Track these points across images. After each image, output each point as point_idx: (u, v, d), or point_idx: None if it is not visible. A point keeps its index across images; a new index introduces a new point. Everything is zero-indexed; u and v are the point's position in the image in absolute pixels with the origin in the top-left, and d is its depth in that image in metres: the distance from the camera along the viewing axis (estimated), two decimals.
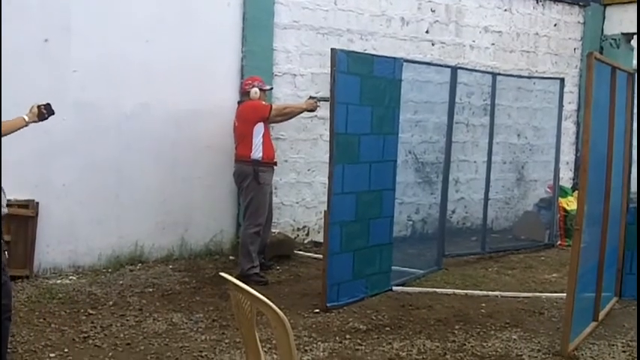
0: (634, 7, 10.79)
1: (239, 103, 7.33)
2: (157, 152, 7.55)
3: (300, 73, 8.49)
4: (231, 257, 7.86)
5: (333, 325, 5.76)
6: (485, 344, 5.42)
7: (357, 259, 6.48)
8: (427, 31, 9.58)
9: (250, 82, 7.22)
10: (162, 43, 7.44)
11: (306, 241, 8.78)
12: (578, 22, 11.34)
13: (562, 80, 9.59)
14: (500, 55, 10.40)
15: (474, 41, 10.08)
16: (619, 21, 11.16)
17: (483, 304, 6.50)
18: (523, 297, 6.88)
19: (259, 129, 7.02)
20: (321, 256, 6.84)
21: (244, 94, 7.25)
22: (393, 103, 6.74)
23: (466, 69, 9.02)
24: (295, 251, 8.22)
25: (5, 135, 4.64)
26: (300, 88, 8.47)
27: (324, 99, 7.18)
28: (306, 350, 5.13)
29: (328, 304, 6.13)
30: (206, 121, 7.78)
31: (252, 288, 2.75)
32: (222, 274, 2.94)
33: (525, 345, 5.44)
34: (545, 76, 10.55)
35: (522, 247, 9.30)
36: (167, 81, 7.47)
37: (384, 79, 6.58)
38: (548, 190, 10.07)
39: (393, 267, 7.04)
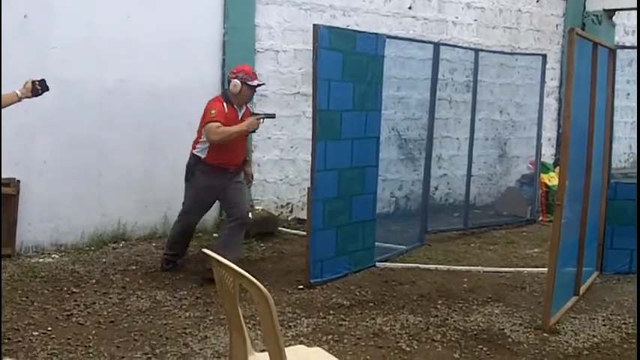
0: None
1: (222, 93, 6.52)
2: (139, 129, 7.49)
3: (283, 49, 8.45)
4: (214, 234, 7.84)
5: (317, 301, 5.79)
6: (467, 319, 5.47)
7: (340, 236, 6.50)
8: (410, 7, 9.55)
9: (235, 72, 6.23)
10: (144, 19, 7.36)
11: (289, 218, 8.79)
12: None
13: (544, 57, 9.61)
14: (482, 31, 10.39)
15: (456, 17, 10.07)
16: None
17: (465, 280, 6.55)
18: (505, 272, 6.94)
19: None
20: (304, 233, 6.85)
21: (228, 82, 6.29)
22: (375, 79, 6.72)
23: (449, 45, 9.02)
24: (279, 228, 8.22)
25: None
26: (282, 65, 8.44)
27: (268, 115, 6.47)
28: (290, 326, 5.15)
29: (312, 281, 6.15)
30: (188, 98, 7.69)
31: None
32: (205, 250, 2.94)
33: (507, 319, 5.49)
34: (527, 52, 10.56)
35: (504, 222, 9.37)
36: (149, 57, 7.41)
37: (366, 55, 6.57)
38: (530, 166, 10.13)
39: (376, 243, 7.08)
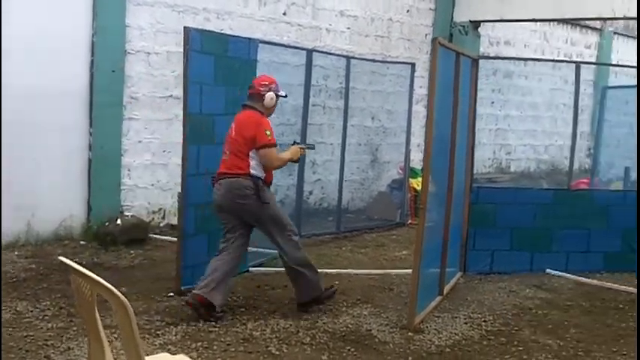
0: None
1: (244, 106, 5.78)
2: (4, 131, 7.13)
3: (155, 51, 8.31)
4: (82, 242, 7.61)
5: (187, 308, 5.71)
6: (336, 320, 5.56)
7: (212, 241, 6.43)
8: (284, 13, 9.63)
9: (267, 82, 5.73)
10: (9, 17, 7.01)
11: (161, 224, 8.64)
12: (430, 9, 11.77)
13: (413, 65, 9.92)
14: (355, 39, 10.61)
15: (330, 25, 10.23)
16: (468, 8, 11.67)
17: (337, 282, 6.65)
18: (374, 274, 7.12)
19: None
20: (176, 239, 6.75)
21: (254, 97, 5.71)
22: (248, 83, 6.69)
23: (322, 52, 9.15)
24: (150, 235, 8.06)
25: None
26: (154, 67, 8.30)
27: (309, 146, 6.35)
28: (158, 334, 5.07)
29: (183, 288, 6.06)
30: (56, 100, 7.45)
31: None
32: (62, 258, 2.85)
33: (375, 320, 5.63)
34: (397, 60, 10.86)
35: (375, 226, 9.61)
36: (16, 57, 7.06)
37: (238, 59, 6.56)
38: (400, 171, 10.43)
39: (250, 248, 7.05)
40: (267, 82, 5.74)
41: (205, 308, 5.43)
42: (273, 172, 5.81)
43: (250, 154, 5.55)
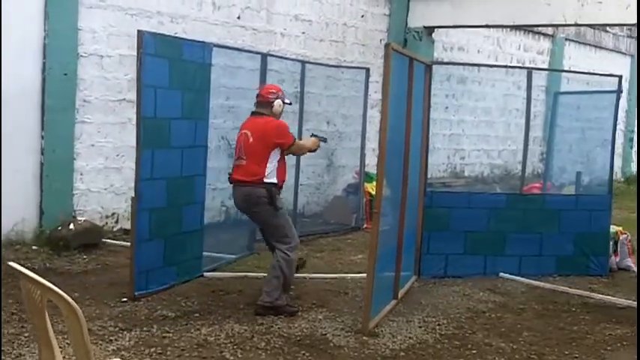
0: (436, 2, 11.49)
1: (254, 114, 6.12)
2: None
3: (108, 54, 8.22)
4: (34, 247, 7.48)
5: (141, 313, 5.66)
6: (292, 325, 5.56)
7: (167, 246, 6.41)
8: (239, 17, 9.61)
9: (274, 91, 6.13)
10: None
11: (115, 229, 8.55)
12: (385, 14, 11.86)
13: (367, 70, 9.99)
14: (310, 43, 10.64)
15: (285, 29, 10.24)
16: (422, 14, 11.78)
17: (293, 287, 6.64)
18: (330, 278, 7.14)
19: (276, 153, 5.95)
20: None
21: (264, 104, 6.07)
22: (203, 87, 6.71)
23: (276, 56, 9.15)
24: (104, 239, 7.97)
25: None
26: (107, 70, 8.21)
27: (322, 139, 6.57)
28: (111, 340, 5.01)
29: (136, 293, 6.01)
30: (8, 103, 7.31)
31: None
32: (11, 263, 2.80)
33: (330, 324, 5.64)
34: (352, 65, 10.92)
35: (331, 230, 9.64)
36: None
37: (193, 63, 6.54)
38: (355, 175, 10.48)
39: (205, 253, 7.04)
40: (274, 91, 6.13)
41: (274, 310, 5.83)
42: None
43: (270, 157, 5.90)
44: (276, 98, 6.05)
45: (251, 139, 5.93)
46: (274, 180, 5.92)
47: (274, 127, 5.96)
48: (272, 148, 5.91)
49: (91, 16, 8.01)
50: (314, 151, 6.58)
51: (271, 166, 5.91)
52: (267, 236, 6.19)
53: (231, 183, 6.11)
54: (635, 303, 6.62)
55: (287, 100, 6.23)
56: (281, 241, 5.98)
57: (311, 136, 6.63)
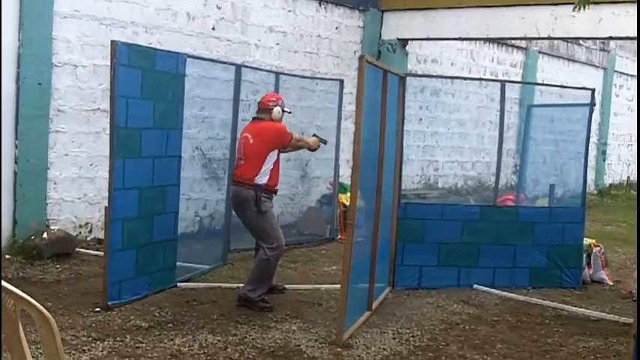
0: (410, 14, 11.58)
1: (255, 119, 6.70)
2: None
3: (82, 64, 8.19)
4: (7, 256, 7.40)
5: (114, 323, 5.64)
6: (265, 336, 5.57)
7: (140, 256, 6.38)
8: (213, 28, 9.62)
9: (274, 99, 6.74)
10: None
11: (89, 239, 8.49)
12: (359, 27, 11.93)
13: (341, 82, 10.04)
14: (284, 55, 10.67)
15: (259, 40, 10.27)
16: (395, 27, 11.86)
17: (266, 297, 6.65)
18: (303, 289, 7.15)
19: (274, 155, 6.48)
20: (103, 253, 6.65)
21: (264, 110, 6.65)
22: (176, 98, 6.71)
23: (251, 67, 9.18)
24: (77, 249, 7.92)
25: None
26: (81, 80, 8.18)
27: (322, 141, 7.05)
28: (84, 350, 4.98)
29: (109, 303, 5.98)
30: None
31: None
32: None
33: (304, 335, 5.65)
34: (326, 77, 10.96)
35: (305, 241, 9.65)
36: None
37: (167, 73, 6.54)
38: (330, 186, 10.51)
39: (178, 263, 7.02)
40: (274, 99, 6.75)
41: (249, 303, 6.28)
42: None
43: (267, 158, 6.41)
44: (275, 106, 6.63)
45: (251, 141, 6.48)
46: (265, 181, 6.39)
47: (273, 128, 6.55)
48: (271, 149, 6.44)
49: (65, 25, 7.98)
50: (314, 150, 7.05)
51: (266, 167, 6.40)
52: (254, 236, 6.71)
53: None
54: (609, 316, 6.73)
55: (286, 109, 6.77)
56: (264, 241, 6.45)
57: (313, 135, 7.11)
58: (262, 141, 6.43)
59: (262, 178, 6.38)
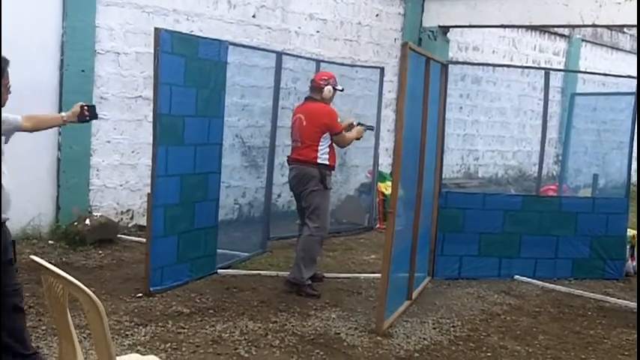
0: (451, 2, 11.46)
1: (308, 99, 6.71)
2: None
3: (125, 51, 8.26)
4: (50, 242, 7.53)
5: (156, 309, 5.69)
6: (305, 323, 5.58)
7: (181, 243, 6.44)
8: (254, 16, 9.62)
9: (326, 77, 6.68)
10: None
11: (130, 225, 8.59)
12: (399, 14, 11.84)
13: (382, 69, 9.98)
14: (324, 42, 10.65)
15: (299, 28, 10.25)
16: (436, 14, 11.76)
17: (314, 284, 6.66)
18: (343, 277, 7.14)
19: (327, 137, 6.51)
20: (145, 239, 6.72)
21: (316, 89, 6.64)
22: (218, 85, 6.73)
23: (291, 55, 9.16)
24: (119, 235, 8.01)
25: (39, 130, 4.52)
26: (123, 67, 8.25)
27: (369, 128, 7.13)
28: (127, 335, 5.04)
29: (151, 288, 6.04)
30: (26, 100, 7.25)
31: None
32: (34, 257, 2.83)
33: (343, 323, 5.65)
34: (366, 64, 10.91)
35: (344, 230, 9.63)
36: None
37: (209, 61, 6.55)
38: (369, 175, 10.47)
39: (218, 250, 7.06)
40: (326, 77, 6.69)
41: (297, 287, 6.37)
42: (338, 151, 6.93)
43: (321, 140, 6.43)
44: (327, 85, 6.56)
45: (305, 123, 6.51)
46: (327, 162, 6.48)
47: (325, 111, 6.52)
48: (323, 132, 6.45)
49: (108, 13, 8.05)
50: (358, 139, 6.95)
51: (323, 148, 6.46)
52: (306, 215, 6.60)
53: (289, 164, 6.71)
54: None
55: (338, 87, 6.68)
56: (313, 219, 6.46)
57: (357, 124, 6.96)
58: (315, 125, 6.47)
59: (323, 158, 6.47)
